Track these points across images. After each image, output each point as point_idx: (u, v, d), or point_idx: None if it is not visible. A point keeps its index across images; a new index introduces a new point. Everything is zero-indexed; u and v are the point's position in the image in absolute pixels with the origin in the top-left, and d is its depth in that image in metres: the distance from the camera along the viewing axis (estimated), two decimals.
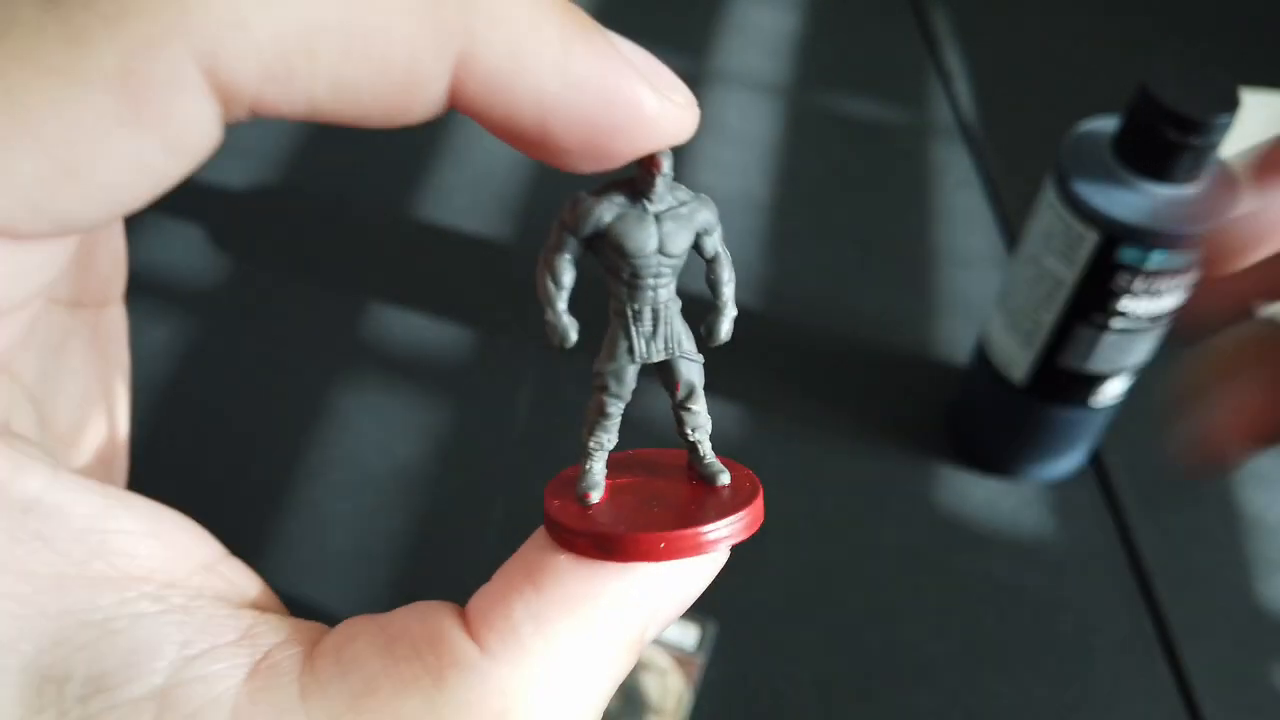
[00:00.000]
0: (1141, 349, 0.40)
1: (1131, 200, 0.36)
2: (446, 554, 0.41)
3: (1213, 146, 0.35)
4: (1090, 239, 0.37)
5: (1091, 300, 0.39)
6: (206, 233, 0.53)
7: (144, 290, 0.50)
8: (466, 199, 0.56)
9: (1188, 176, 0.36)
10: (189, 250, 0.52)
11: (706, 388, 0.15)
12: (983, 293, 0.54)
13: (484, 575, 0.14)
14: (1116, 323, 0.39)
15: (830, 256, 0.55)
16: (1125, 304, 0.38)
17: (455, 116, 0.60)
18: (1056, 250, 0.39)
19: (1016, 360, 0.42)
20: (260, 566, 0.39)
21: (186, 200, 0.54)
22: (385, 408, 0.46)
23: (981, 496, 0.45)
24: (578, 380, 0.48)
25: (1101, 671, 0.40)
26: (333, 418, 0.46)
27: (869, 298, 0.53)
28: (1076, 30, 0.71)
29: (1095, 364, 0.40)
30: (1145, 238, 0.36)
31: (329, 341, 0.49)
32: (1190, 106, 0.34)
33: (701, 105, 0.62)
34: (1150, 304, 0.38)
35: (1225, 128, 0.34)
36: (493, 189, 0.56)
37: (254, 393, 0.46)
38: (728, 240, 0.55)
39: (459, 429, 0.46)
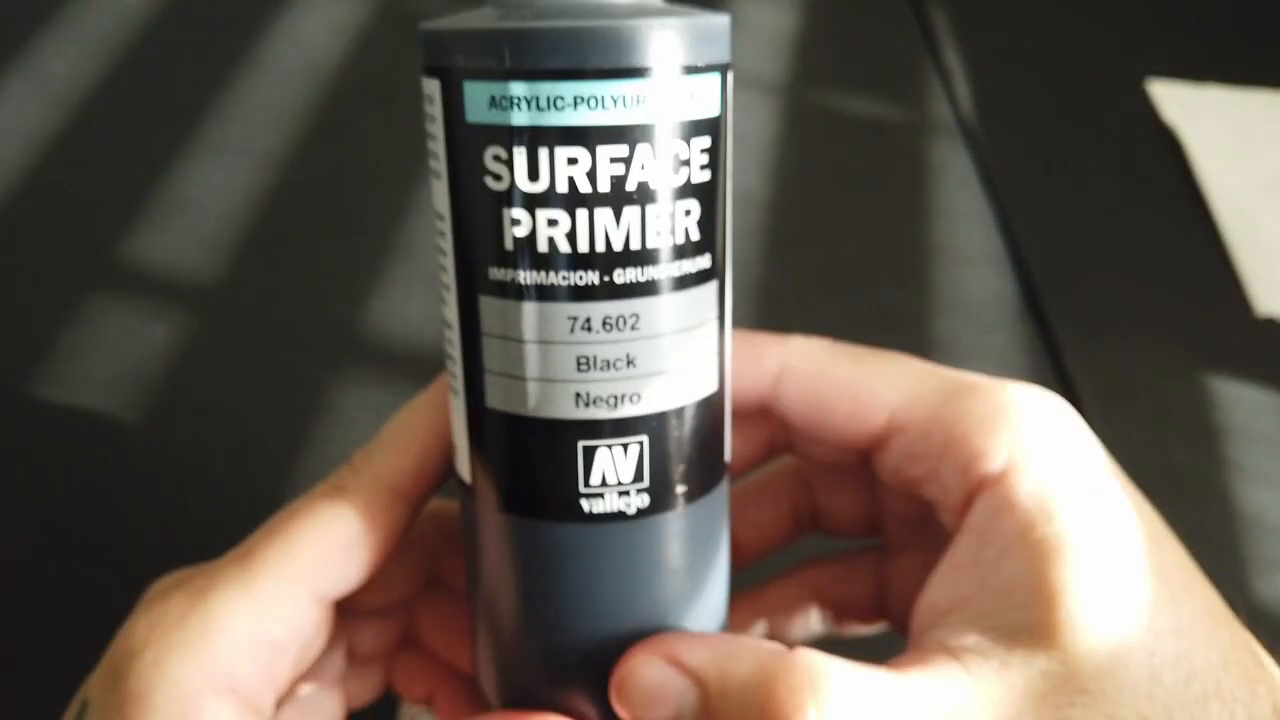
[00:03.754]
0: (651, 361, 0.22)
1: (483, 13, 0.21)
2: None
3: None
4: (437, 97, 0.21)
5: (479, 236, 0.21)
6: (206, 231, 0.53)
7: (144, 290, 0.49)
8: None
9: None
10: (188, 249, 0.52)
11: None
12: (983, 293, 0.54)
13: None
14: (524, 275, 0.20)
15: (829, 256, 0.55)
16: (521, 222, 0.20)
17: None
18: (430, 162, 0.22)
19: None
20: None
21: (185, 199, 0.54)
22: (386, 406, 0.46)
23: None
24: None
25: None
26: (333, 416, 0.46)
27: (868, 297, 0.53)
28: (1077, 30, 0.71)
29: (530, 400, 0.21)
30: (502, 52, 0.19)
31: (329, 340, 0.49)
32: None
33: None
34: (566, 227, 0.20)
35: None
36: None
37: (254, 392, 0.46)
38: None
39: None
